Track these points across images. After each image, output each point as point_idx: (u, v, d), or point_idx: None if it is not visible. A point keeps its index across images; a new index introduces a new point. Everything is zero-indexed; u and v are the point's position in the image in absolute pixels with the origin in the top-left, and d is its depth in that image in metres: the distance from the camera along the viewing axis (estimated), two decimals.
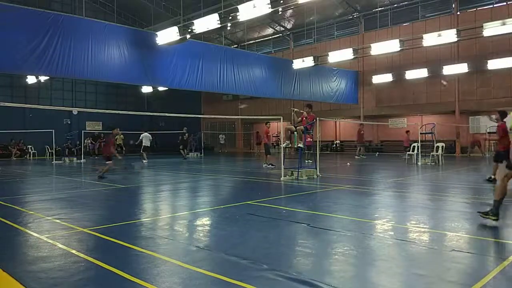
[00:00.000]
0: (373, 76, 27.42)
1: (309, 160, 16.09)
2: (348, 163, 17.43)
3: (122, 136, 28.50)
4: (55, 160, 22.61)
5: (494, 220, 5.39)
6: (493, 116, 10.31)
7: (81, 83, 33.03)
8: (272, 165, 15.62)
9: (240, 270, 3.63)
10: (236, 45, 34.81)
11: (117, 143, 28.36)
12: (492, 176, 10.00)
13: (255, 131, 33.85)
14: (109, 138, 13.41)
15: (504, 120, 9.09)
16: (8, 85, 29.68)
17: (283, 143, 12.42)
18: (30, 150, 28.00)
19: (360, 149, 21.80)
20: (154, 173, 14.94)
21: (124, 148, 28.45)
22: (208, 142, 37.24)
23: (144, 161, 20.44)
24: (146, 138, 21.27)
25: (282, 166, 11.59)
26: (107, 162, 12.35)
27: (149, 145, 21.38)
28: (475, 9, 24.44)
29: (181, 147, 22.87)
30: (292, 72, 24.69)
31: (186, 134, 23.03)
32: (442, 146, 17.21)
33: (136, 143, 21.82)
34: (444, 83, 24.14)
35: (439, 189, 9.47)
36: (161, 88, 27.81)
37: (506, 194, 5.58)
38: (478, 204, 7.43)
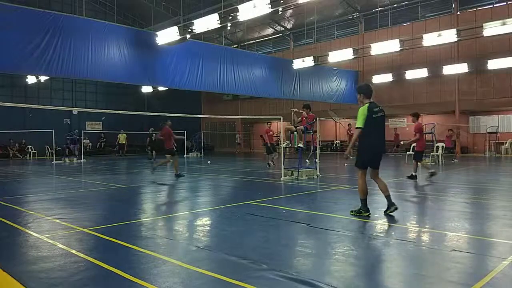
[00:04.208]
0: (373, 76, 27.40)
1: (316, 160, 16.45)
2: (346, 164, 17.46)
3: (124, 135, 28.39)
4: (55, 160, 22.61)
5: (367, 215, 5.84)
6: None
7: (81, 83, 33.05)
8: (268, 164, 16.03)
9: (240, 270, 3.63)
10: (236, 45, 34.80)
11: (120, 142, 28.32)
12: (414, 173, 10.65)
13: (259, 134, 33.74)
14: None
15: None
16: (8, 85, 29.71)
17: (283, 143, 12.42)
18: (30, 150, 28.01)
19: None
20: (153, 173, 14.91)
21: (125, 148, 28.42)
22: (208, 142, 37.24)
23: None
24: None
25: (282, 166, 11.59)
26: None
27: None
28: (475, 9, 24.46)
29: (149, 148, 22.51)
30: (292, 72, 24.68)
31: (154, 135, 22.75)
32: (442, 146, 17.22)
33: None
34: None
35: (439, 189, 9.46)
36: (161, 88, 27.81)
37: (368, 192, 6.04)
38: (478, 204, 7.44)
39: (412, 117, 11.12)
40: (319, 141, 13.87)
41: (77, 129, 28.46)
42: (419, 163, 10.89)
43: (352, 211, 6.03)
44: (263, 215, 6.14)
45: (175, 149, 12.50)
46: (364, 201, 5.94)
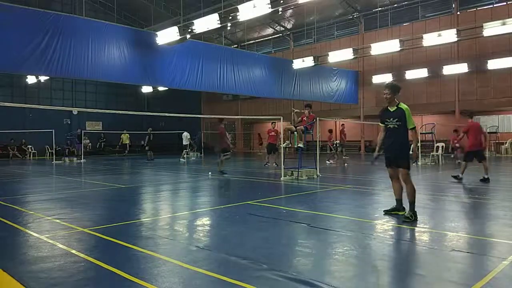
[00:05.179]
0: (373, 76, 27.42)
1: (331, 162, 16.84)
2: (346, 164, 17.50)
3: (127, 135, 28.38)
4: (55, 160, 22.60)
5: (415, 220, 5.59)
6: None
7: (81, 83, 33.04)
8: (267, 164, 16.32)
9: (240, 270, 3.63)
10: (236, 45, 34.81)
11: (123, 142, 28.35)
12: (486, 176, 10.24)
13: (257, 132, 33.77)
14: None
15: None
16: (8, 85, 29.70)
17: (283, 143, 12.42)
18: (30, 150, 27.99)
19: (342, 150, 21.46)
20: (154, 173, 14.94)
21: (127, 148, 28.45)
22: (208, 142, 37.21)
23: (182, 159, 21.59)
24: (184, 137, 22.26)
25: (282, 166, 11.59)
26: None
27: (187, 143, 22.15)
28: (475, 9, 24.46)
29: (147, 148, 22.67)
30: (292, 72, 24.69)
31: (151, 135, 22.75)
32: (442, 146, 17.22)
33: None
34: None
35: (439, 189, 9.46)
36: (161, 88, 27.81)
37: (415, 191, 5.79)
38: (478, 204, 7.44)
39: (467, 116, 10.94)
40: (319, 141, 13.87)
41: (78, 128, 28.46)
42: (468, 163, 10.43)
43: (406, 217, 5.60)
44: (263, 215, 6.14)
45: (229, 148, 13.67)
46: (414, 204, 5.73)
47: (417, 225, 5.44)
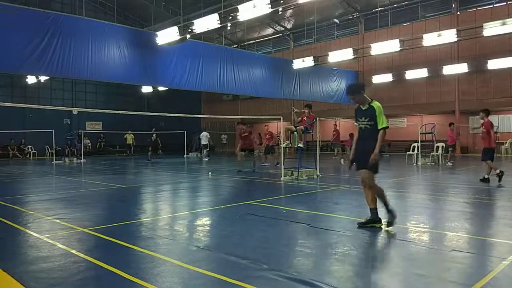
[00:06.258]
0: (373, 76, 27.43)
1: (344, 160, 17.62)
2: (349, 166, 17.52)
3: (132, 135, 28.36)
4: (55, 160, 22.61)
5: (379, 226, 5.18)
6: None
7: (81, 83, 33.04)
8: (265, 163, 17.19)
9: (240, 270, 3.63)
10: (236, 45, 34.81)
11: (127, 142, 28.36)
12: (486, 176, 10.08)
13: (257, 132, 33.78)
14: None
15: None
16: (8, 85, 29.70)
17: (283, 143, 12.42)
18: (30, 150, 28.00)
19: (339, 150, 21.40)
20: (154, 173, 14.94)
21: (132, 148, 28.42)
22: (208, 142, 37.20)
23: (205, 158, 22.18)
24: (204, 137, 22.78)
25: (282, 166, 11.59)
26: None
27: (206, 143, 22.60)
28: (475, 9, 24.48)
29: (149, 148, 22.76)
30: (292, 72, 24.69)
31: (154, 135, 22.78)
32: (442, 146, 17.20)
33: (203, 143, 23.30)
34: None
35: (439, 189, 9.46)
36: (161, 88, 27.80)
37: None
38: (478, 204, 7.44)
39: (482, 113, 10.59)
40: (319, 141, 13.87)
41: (79, 129, 28.45)
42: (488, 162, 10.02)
43: (389, 222, 5.17)
44: (263, 215, 6.14)
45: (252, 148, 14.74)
46: (387, 204, 5.25)
47: (417, 225, 5.44)
